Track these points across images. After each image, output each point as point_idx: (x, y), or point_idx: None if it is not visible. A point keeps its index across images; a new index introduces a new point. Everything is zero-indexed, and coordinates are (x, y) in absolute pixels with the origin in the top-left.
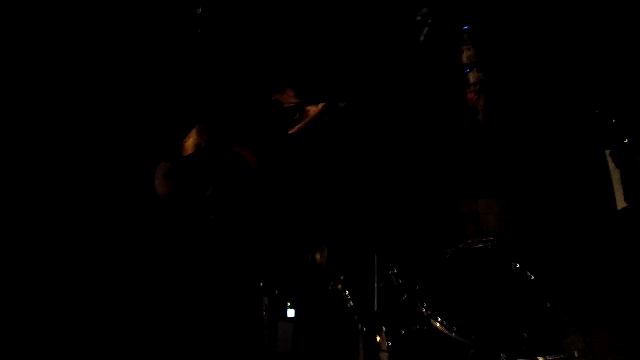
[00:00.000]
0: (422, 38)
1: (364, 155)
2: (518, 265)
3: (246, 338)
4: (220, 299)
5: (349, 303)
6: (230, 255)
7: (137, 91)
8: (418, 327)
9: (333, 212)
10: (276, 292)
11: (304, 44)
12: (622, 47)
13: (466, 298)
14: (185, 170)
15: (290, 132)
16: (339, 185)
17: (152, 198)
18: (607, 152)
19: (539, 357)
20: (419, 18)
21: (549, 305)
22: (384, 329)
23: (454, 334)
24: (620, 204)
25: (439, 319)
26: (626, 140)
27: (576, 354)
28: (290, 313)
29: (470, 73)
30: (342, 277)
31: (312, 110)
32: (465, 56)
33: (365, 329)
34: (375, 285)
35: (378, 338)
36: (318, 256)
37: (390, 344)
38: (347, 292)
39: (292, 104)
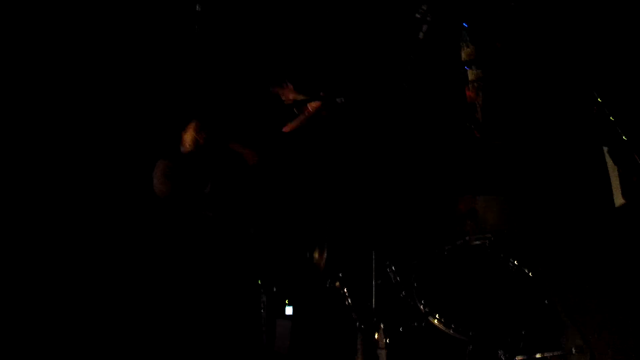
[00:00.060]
0: (421, 36)
1: (363, 152)
2: (516, 263)
3: (244, 335)
4: (219, 296)
5: (347, 300)
6: (228, 253)
7: (135, 87)
8: (416, 324)
9: (331, 209)
10: (274, 289)
11: (304, 40)
12: (620, 44)
13: (464, 295)
14: (184, 168)
15: (288, 127)
16: (337, 183)
17: (150, 195)
18: (605, 149)
19: (536, 354)
20: (418, 16)
21: (546, 302)
22: (382, 326)
23: (451, 331)
24: (619, 201)
25: (437, 316)
26: (624, 138)
27: (574, 351)
28: (289, 310)
29: (469, 70)
30: (340, 275)
31: (311, 106)
32: (464, 53)
33: (363, 326)
34: (373, 283)
35: (376, 335)
36: (316, 254)
37: (388, 341)
38: (345, 290)
39: (291, 100)
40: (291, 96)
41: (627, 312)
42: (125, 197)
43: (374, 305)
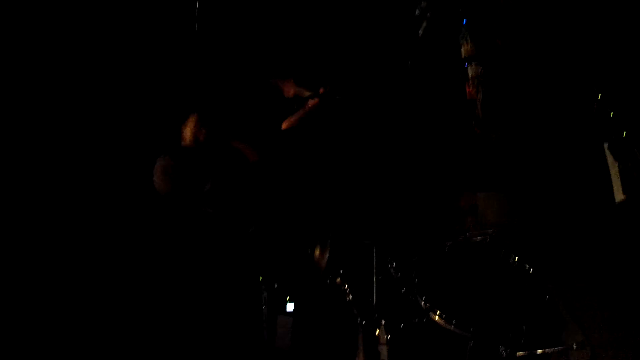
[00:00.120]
0: (420, 32)
1: (363, 149)
2: (517, 258)
3: (245, 332)
4: (220, 293)
5: (348, 297)
6: (229, 250)
7: (135, 84)
8: (417, 320)
9: (332, 206)
10: (275, 286)
11: (305, 36)
12: (620, 40)
13: (465, 291)
14: (184, 165)
15: (287, 122)
16: (337, 180)
17: (150, 192)
18: (606, 145)
19: (538, 350)
20: (417, 12)
21: (547, 298)
22: (383, 322)
23: (452, 327)
24: (619, 197)
25: (438, 312)
26: (625, 133)
27: (575, 347)
28: (290, 307)
29: (469, 67)
30: (341, 271)
31: (311, 101)
32: (464, 50)
33: (364, 322)
34: (374, 279)
35: (377, 331)
36: (317, 250)
37: (389, 337)
38: (346, 286)
39: (291, 94)
40: (292, 90)
41: (628, 308)
42: (125, 193)
43: (374, 302)
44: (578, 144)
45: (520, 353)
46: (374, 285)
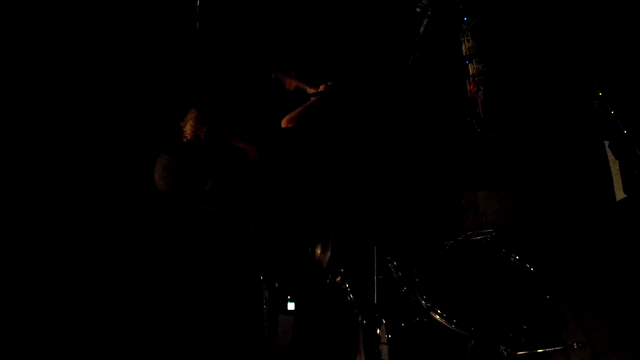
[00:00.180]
0: (422, 30)
1: (364, 148)
2: (517, 258)
3: (246, 331)
4: (221, 292)
5: (349, 296)
6: (230, 249)
7: (136, 82)
8: (418, 319)
9: (333, 205)
10: (276, 285)
11: (307, 35)
12: (620, 39)
13: (466, 290)
14: (185, 164)
15: (287, 118)
16: (338, 179)
17: (151, 191)
18: (606, 143)
19: (538, 350)
20: (419, 10)
21: (548, 297)
22: (384, 321)
23: (453, 326)
24: (620, 195)
25: (439, 312)
26: (625, 132)
27: (575, 347)
28: (291, 306)
29: (470, 65)
30: (342, 270)
31: (312, 98)
32: (465, 48)
33: (365, 321)
34: (375, 278)
35: (378, 330)
36: (318, 249)
37: (390, 336)
38: (347, 285)
39: (293, 88)
40: (293, 84)
41: (628, 307)
42: (126, 192)
43: (375, 301)
44: (579, 142)
45: (520, 352)
46: (375, 284)
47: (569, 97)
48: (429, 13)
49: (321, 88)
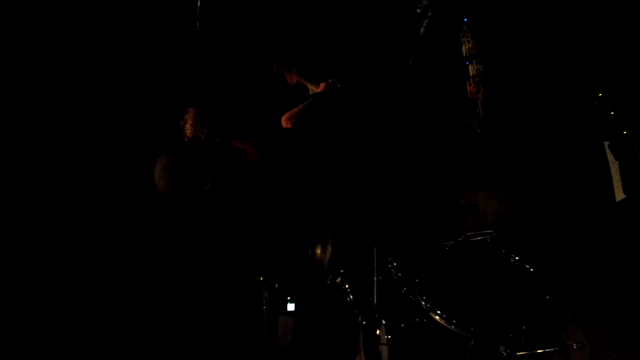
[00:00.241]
0: (422, 31)
1: (364, 148)
2: (517, 258)
3: (246, 332)
4: (221, 293)
5: (349, 297)
6: (230, 249)
7: (136, 83)
8: (417, 320)
9: (333, 206)
10: (276, 286)
11: (308, 36)
12: (620, 40)
13: (465, 291)
14: (185, 165)
15: (287, 114)
16: (338, 180)
17: (151, 191)
18: (606, 143)
19: (538, 350)
20: (419, 11)
21: (547, 298)
22: (384, 322)
23: (453, 327)
24: (619, 195)
25: (439, 312)
26: (625, 132)
27: (575, 347)
28: (290, 307)
29: (470, 65)
30: (341, 271)
31: (312, 90)
32: (465, 49)
33: (365, 322)
34: (375, 279)
35: (378, 331)
36: (318, 250)
37: (389, 337)
38: (347, 286)
39: (294, 82)
40: (294, 78)
41: (627, 308)
42: (127, 193)
43: (375, 302)
44: (578, 143)
45: (520, 353)
46: (375, 285)
47: (569, 98)
48: (429, 14)
49: (322, 85)
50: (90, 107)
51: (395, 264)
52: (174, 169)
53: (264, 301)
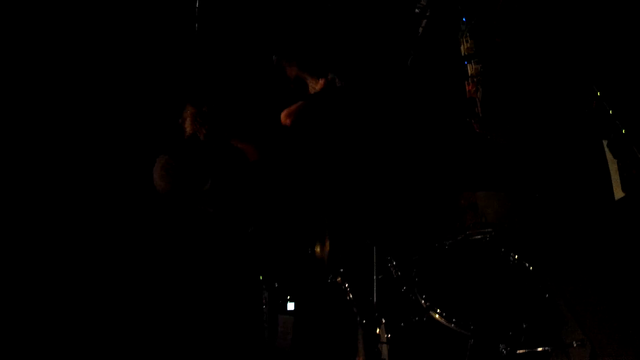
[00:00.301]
0: (420, 30)
1: (364, 148)
2: (517, 257)
3: (246, 331)
4: (221, 292)
5: (349, 295)
6: (230, 249)
7: (135, 82)
8: (417, 318)
9: (332, 205)
10: (276, 285)
11: (308, 34)
12: (619, 38)
13: (465, 289)
14: (184, 164)
15: (286, 112)
16: (338, 179)
17: (150, 191)
18: (605, 142)
19: (538, 348)
20: (417, 10)
21: (547, 296)
22: (384, 321)
23: (453, 325)
24: (618, 194)
25: (438, 311)
26: (624, 131)
27: (575, 345)
28: (290, 306)
29: (469, 65)
30: (341, 270)
31: (312, 86)
32: (463, 48)
33: (364, 321)
34: (375, 278)
35: (377, 330)
36: (317, 249)
37: (389, 335)
38: (347, 285)
39: (293, 75)
40: (295, 72)
41: (627, 306)
42: (126, 193)
43: (375, 300)
44: (577, 142)
45: (520, 351)
46: (375, 284)
47: (568, 97)
48: (428, 14)
49: (321, 80)
50: (89, 107)
51: (394, 262)
52: (174, 169)
53: (264, 300)
